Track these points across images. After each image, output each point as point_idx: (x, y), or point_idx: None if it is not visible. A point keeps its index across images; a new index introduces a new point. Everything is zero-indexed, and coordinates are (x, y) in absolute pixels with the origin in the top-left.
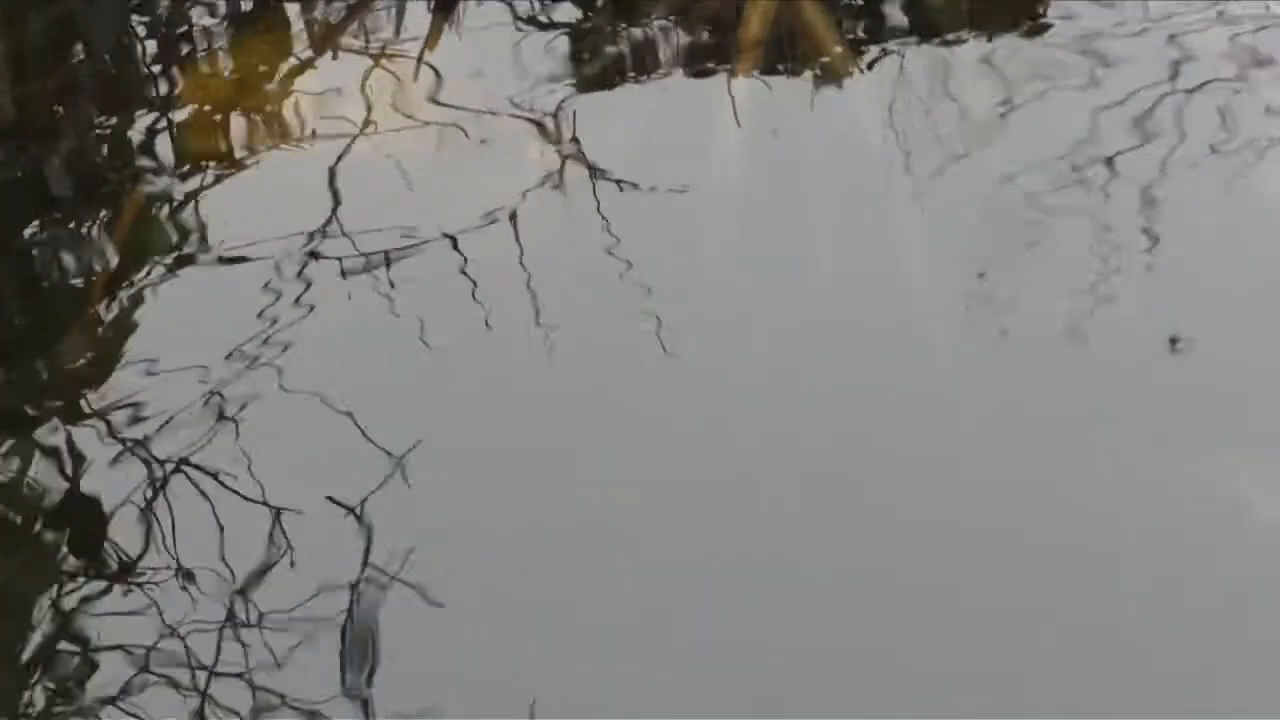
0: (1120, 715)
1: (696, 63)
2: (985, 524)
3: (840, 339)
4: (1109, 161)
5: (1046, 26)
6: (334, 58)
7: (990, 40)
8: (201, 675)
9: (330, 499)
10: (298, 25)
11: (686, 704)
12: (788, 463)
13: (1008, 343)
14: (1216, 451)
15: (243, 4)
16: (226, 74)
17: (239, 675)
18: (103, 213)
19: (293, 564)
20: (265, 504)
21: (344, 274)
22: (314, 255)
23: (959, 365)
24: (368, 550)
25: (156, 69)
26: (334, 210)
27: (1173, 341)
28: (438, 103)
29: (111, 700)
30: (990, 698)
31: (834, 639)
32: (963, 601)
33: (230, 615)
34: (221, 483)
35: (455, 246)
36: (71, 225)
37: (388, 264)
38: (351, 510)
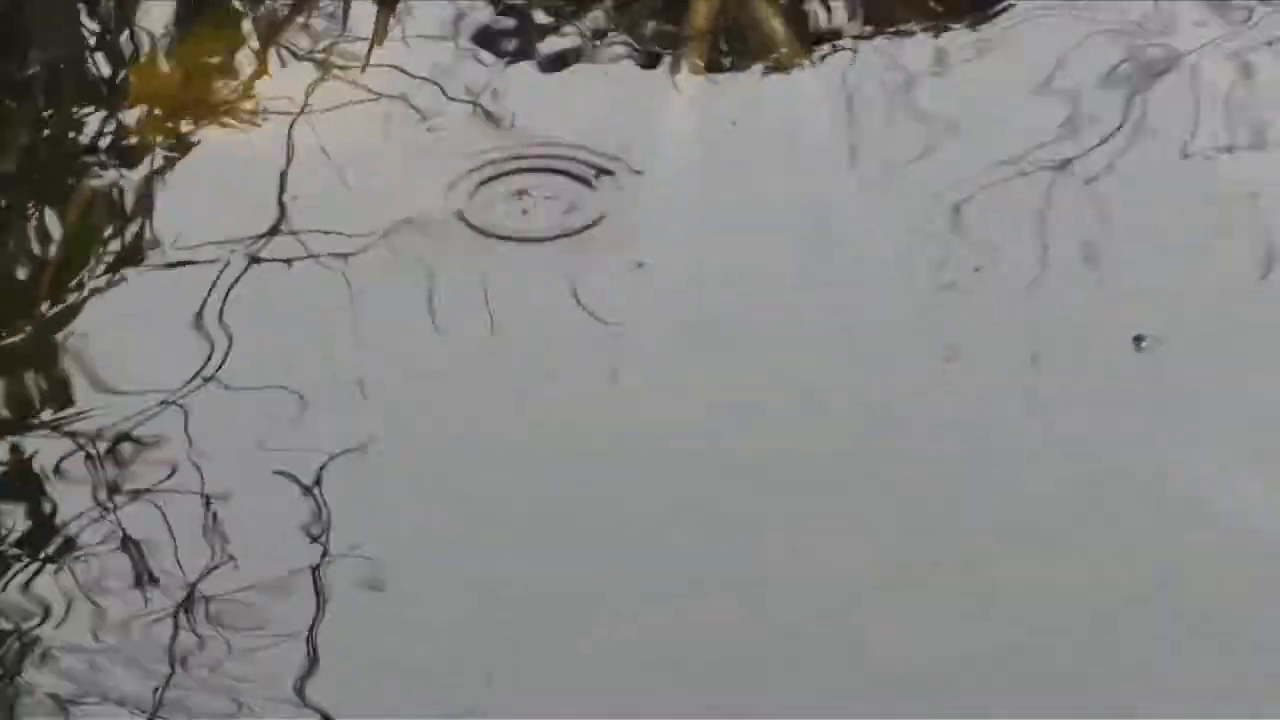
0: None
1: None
2: (953, 527)
3: (802, 335)
4: (1064, 156)
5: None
6: (281, 59)
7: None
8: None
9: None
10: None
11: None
12: (747, 460)
13: (970, 342)
14: (1182, 450)
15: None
16: (174, 67)
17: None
18: (48, 208)
19: (234, 561)
20: (207, 496)
21: (289, 263)
22: (255, 257)
23: (923, 364)
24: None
25: (104, 62)
26: (281, 203)
27: (1137, 340)
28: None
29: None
30: (963, 701)
31: (817, 640)
32: (931, 604)
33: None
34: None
35: (403, 237)
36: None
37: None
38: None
